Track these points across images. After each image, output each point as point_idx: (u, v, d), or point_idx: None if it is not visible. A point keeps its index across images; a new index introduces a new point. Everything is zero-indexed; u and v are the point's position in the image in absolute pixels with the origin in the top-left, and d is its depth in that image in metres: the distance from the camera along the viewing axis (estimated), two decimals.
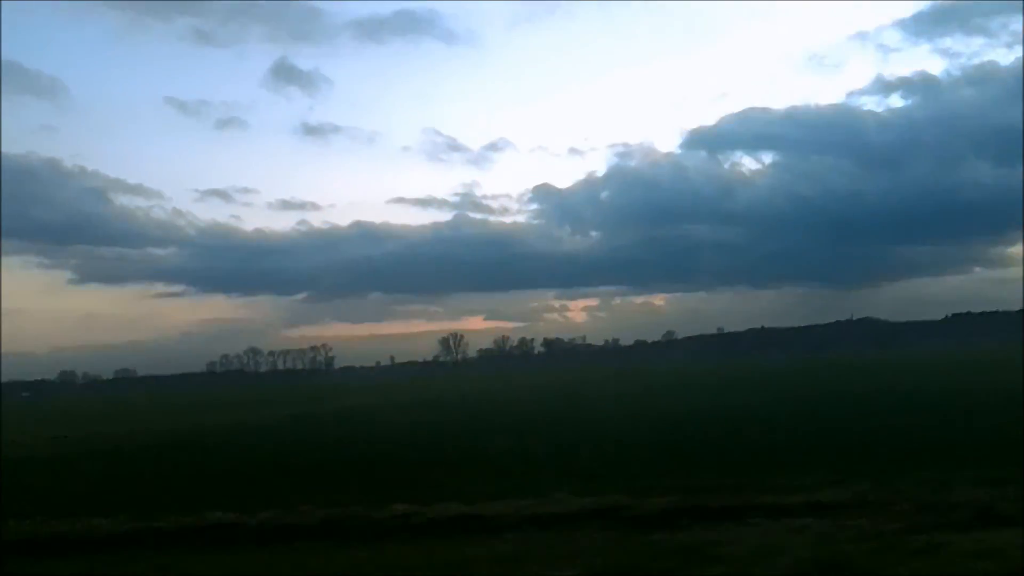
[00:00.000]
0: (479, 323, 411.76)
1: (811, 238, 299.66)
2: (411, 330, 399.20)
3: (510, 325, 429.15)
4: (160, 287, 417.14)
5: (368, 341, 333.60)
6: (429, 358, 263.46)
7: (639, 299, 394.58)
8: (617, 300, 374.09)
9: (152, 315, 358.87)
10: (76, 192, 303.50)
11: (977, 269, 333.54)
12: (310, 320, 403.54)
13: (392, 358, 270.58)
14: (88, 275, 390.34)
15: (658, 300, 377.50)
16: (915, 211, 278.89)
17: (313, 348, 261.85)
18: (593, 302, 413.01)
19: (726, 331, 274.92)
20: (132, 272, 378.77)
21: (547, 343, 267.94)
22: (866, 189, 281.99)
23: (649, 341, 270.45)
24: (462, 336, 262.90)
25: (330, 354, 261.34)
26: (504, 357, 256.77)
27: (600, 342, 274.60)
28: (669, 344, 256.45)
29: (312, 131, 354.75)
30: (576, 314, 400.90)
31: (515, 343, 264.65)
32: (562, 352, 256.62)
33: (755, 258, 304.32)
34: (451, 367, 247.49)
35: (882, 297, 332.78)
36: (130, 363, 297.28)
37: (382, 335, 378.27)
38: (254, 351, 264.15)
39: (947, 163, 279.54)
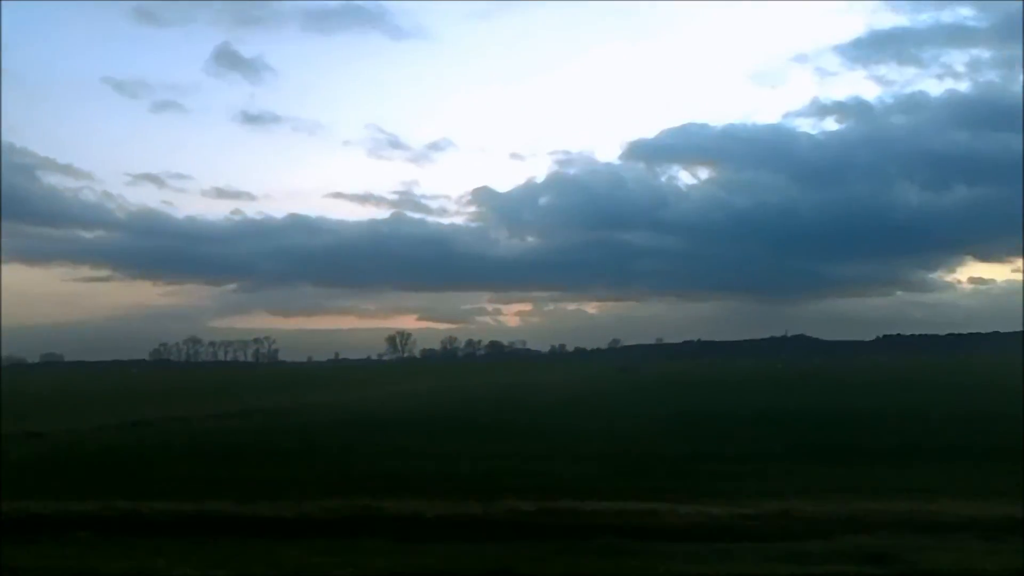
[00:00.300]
0: (412, 322, 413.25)
1: (744, 252, 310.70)
2: (342, 325, 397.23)
3: (442, 325, 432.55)
4: (86, 270, 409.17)
5: (307, 335, 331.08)
6: (374, 355, 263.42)
7: (572, 305, 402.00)
8: (551, 305, 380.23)
9: (76, 297, 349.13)
10: (3, 168, 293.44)
11: (899, 292, 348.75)
12: (240, 310, 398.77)
13: (336, 353, 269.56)
14: (10, 253, 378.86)
15: (591, 307, 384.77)
16: (844, 230, 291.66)
17: (256, 340, 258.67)
18: (527, 306, 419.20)
19: (664, 341, 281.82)
20: (57, 253, 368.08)
21: (491, 345, 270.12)
22: (799, 207, 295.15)
23: (589, 348, 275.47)
24: (409, 334, 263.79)
25: (273, 346, 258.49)
26: (448, 357, 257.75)
27: (545, 348, 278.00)
28: (612, 351, 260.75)
29: (252, 119, 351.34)
30: (509, 318, 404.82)
31: (461, 344, 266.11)
32: (505, 356, 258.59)
33: (688, 269, 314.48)
34: (396, 365, 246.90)
35: (812, 315, 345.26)
36: (54, 347, 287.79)
37: (318, 329, 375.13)
38: (194, 340, 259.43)
39: (877, 186, 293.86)
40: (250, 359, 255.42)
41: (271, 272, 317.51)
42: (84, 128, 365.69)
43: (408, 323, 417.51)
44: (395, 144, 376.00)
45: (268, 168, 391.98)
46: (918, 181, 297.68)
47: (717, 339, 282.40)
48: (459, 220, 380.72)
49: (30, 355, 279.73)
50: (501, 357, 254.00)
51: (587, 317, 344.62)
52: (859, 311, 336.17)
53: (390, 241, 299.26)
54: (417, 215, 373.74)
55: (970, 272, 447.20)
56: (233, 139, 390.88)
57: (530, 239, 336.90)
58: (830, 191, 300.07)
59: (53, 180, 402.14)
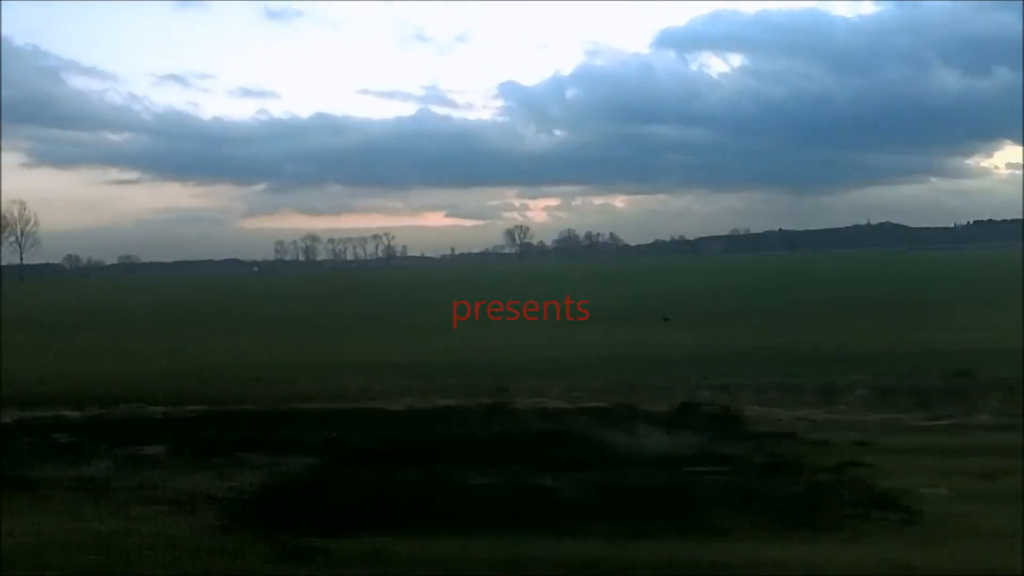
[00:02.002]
0: (439, 219, 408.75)
1: (775, 142, 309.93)
2: (370, 223, 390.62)
3: (469, 222, 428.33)
4: (115, 173, 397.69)
5: (413, 231, 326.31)
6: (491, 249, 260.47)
7: (599, 199, 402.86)
8: (578, 200, 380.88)
9: (107, 200, 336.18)
10: (28, 72, 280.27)
11: (933, 179, 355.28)
12: (269, 210, 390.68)
13: (452, 249, 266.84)
14: (41, 158, 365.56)
15: (619, 201, 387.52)
16: (879, 118, 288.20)
17: (375, 236, 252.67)
18: (554, 201, 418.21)
19: (751, 231, 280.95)
20: (86, 156, 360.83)
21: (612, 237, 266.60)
22: (833, 95, 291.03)
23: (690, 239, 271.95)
24: (527, 228, 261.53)
25: (392, 242, 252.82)
26: (567, 251, 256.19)
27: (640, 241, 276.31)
28: (733, 239, 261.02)
29: (274, 15, 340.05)
30: (536, 213, 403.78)
31: (582, 236, 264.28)
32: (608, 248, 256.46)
33: (719, 162, 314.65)
34: (516, 258, 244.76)
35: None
36: (122, 250, 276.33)
37: (426, 226, 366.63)
38: (312, 238, 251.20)
39: (914, 71, 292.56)
40: (372, 256, 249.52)
41: (298, 172, 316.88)
42: (106, 29, 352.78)
43: (436, 220, 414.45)
44: (421, 37, 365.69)
45: (292, 65, 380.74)
46: (958, 65, 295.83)
47: (798, 228, 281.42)
48: (485, 115, 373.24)
49: (107, 257, 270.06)
50: (622, 252, 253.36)
51: (612, 211, 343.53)
52: (893, 200, 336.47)
53: (416, 138, 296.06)
54: (443, 111, 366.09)
55: (1008, 157, 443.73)
56: (255, 36, 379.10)
57: (557, 133, 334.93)
58: (866, 78, 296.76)
59: (78, 83, 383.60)
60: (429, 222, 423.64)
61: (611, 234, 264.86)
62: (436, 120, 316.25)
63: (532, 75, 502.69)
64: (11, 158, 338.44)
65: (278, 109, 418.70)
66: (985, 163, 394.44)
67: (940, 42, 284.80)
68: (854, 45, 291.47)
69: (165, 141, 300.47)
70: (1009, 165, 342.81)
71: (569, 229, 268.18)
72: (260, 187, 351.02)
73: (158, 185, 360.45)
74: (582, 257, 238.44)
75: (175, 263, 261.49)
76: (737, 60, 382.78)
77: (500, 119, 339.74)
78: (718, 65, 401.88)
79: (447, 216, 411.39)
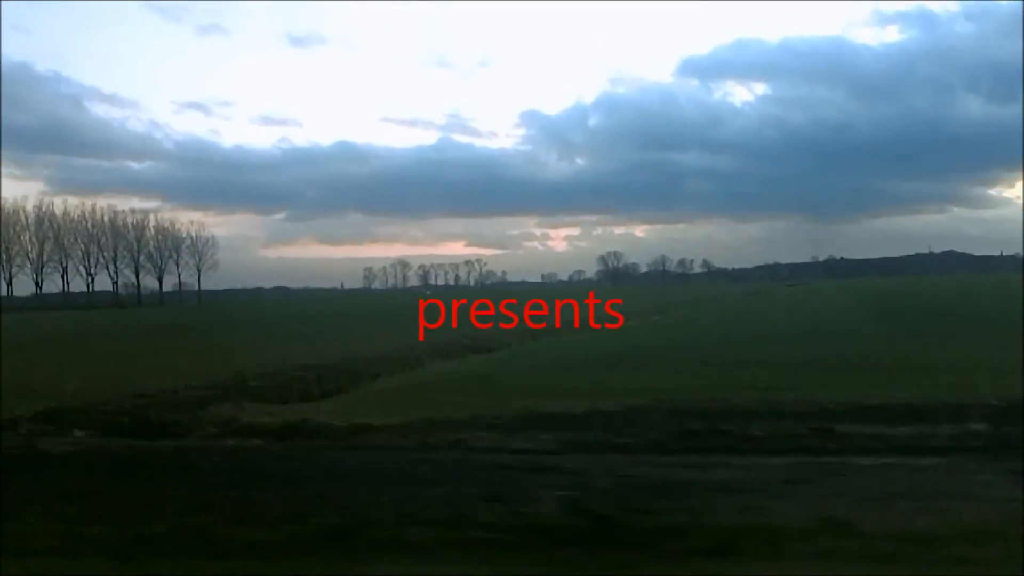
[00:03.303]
0: (459, 248, 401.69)
1: (798, 169, 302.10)
2: (391, 253, 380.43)
3: (490, 251, 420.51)
4: (135, 202, 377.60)
5: (502, 258, 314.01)
6: (580, 275, 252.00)
7: (620, 228, 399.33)
8: (599, 229, 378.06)
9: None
10: (49, 98, 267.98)
11: (955, 208, 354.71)
12: (288, 238, 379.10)
13: (542, 275, 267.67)
14: (61, 187, 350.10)
15: (639, 230, 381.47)
16: (902, 146, 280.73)
17: (468, 263, 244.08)
18: (574, 230, 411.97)
19: (838, 257, 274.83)
20: (107, 184, 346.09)
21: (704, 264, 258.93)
22: (856, 123, 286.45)
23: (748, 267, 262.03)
24: (621, 254, 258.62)
25: (485, 267, 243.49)
26: (662, 276, 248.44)
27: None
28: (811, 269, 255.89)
29: (297, 42, 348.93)
30: (557, 242, 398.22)
31: (676, 262, 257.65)
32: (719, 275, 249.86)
33: (742, 190, 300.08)
34: (610, 282, 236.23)
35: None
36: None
37: (514, 252, 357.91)
38: (403, 263, 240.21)
39: (938, 99, 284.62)
40: (467, 282, 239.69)
41: (319, 200, 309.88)
42: (128, 55, 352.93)
43: (456, 249, 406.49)
44: (444, 64, 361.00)
45: (314, 92, 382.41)
46: (982, 93, 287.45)
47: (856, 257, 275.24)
48: (508, 143, 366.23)
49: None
50: (719, 276, 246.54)
51: (634, 240, 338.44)
52: (914, 228, 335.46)
53: (438, 167, 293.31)
54: (465, 139, 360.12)
55: None
56: (278, 63, 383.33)
57: (579, 161, 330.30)
58: (889, 105, 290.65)
59: (99, 110, 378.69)
60: (450, 251, 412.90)
61: (704, 260, 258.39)
62: (458, 149, 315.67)
63: (554, 103, 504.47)
64: (31, 187, 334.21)
65: (300, 137, 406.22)
66: (1007, 193, 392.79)
67: (964, 69, 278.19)
68: (878, 72, 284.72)
69: (186, 169, 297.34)
70: None
71: (662, 256, 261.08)
72: (280, 215, 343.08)
73: (178, 213, 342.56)
74: (676, 282, 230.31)
75: (227, 290, 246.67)
76: (760, 88, 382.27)
77: (522, 147, 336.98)
78: (741, 93, 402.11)
79: (467, 245, 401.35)
